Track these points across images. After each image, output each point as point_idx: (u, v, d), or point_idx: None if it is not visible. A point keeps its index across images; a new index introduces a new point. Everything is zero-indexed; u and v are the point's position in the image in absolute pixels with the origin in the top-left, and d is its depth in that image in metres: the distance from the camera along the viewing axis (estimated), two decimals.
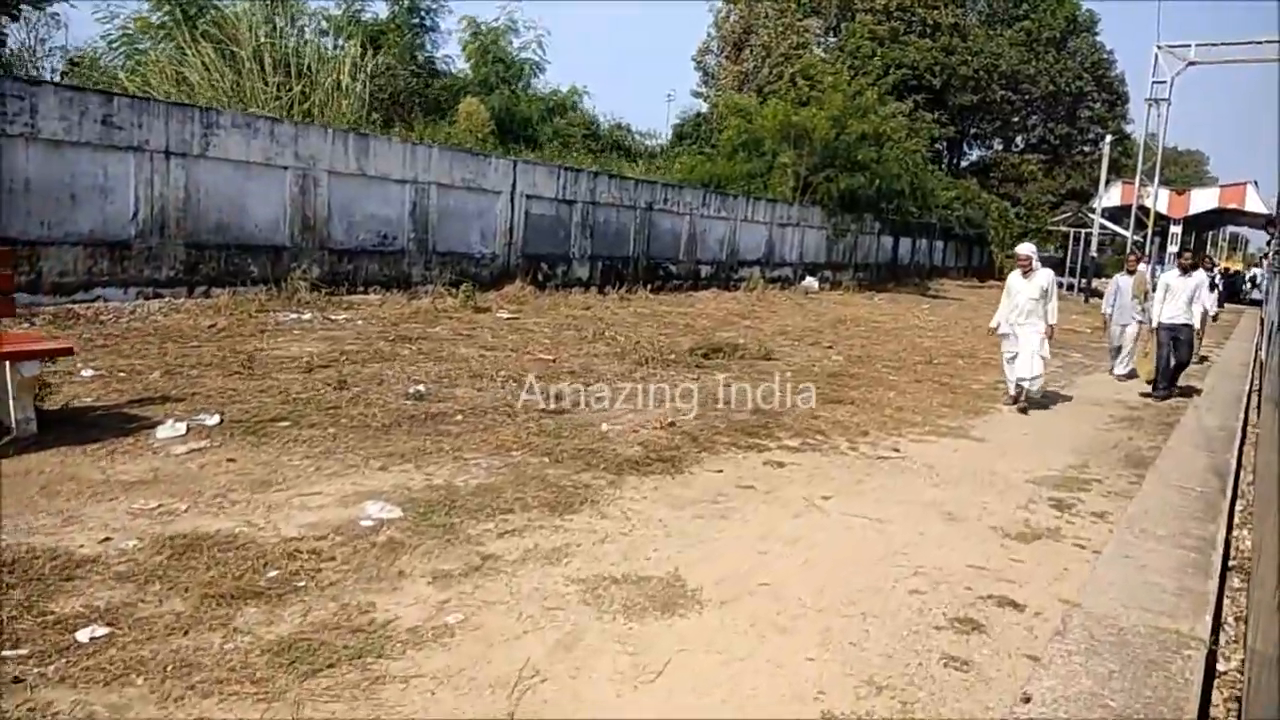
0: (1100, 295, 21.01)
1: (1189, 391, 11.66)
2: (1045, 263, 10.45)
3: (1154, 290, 12.31)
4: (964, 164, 53.03)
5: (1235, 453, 8.38)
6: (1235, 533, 6.31)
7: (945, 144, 49.42)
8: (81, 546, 4.12)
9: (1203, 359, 15.37)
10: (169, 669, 3.18)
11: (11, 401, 5.40)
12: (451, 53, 27.40)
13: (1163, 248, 39.26)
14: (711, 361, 11.07)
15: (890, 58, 39.83)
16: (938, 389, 10.68)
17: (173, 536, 4.27)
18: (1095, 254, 36.40)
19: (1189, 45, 32.10)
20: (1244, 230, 69.29)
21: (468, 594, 3.98)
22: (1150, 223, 34.66)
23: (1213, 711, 3.84)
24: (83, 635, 3.34)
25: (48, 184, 9.61)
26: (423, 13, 23.80)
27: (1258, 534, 5.48)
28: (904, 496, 6.07)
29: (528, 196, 16.35)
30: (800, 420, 8.13)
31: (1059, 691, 3.50)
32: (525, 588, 4.10)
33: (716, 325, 15.25)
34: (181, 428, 5.87)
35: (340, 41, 20.53)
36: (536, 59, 25.94)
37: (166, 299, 10.60)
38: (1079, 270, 38.10)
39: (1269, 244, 37.23)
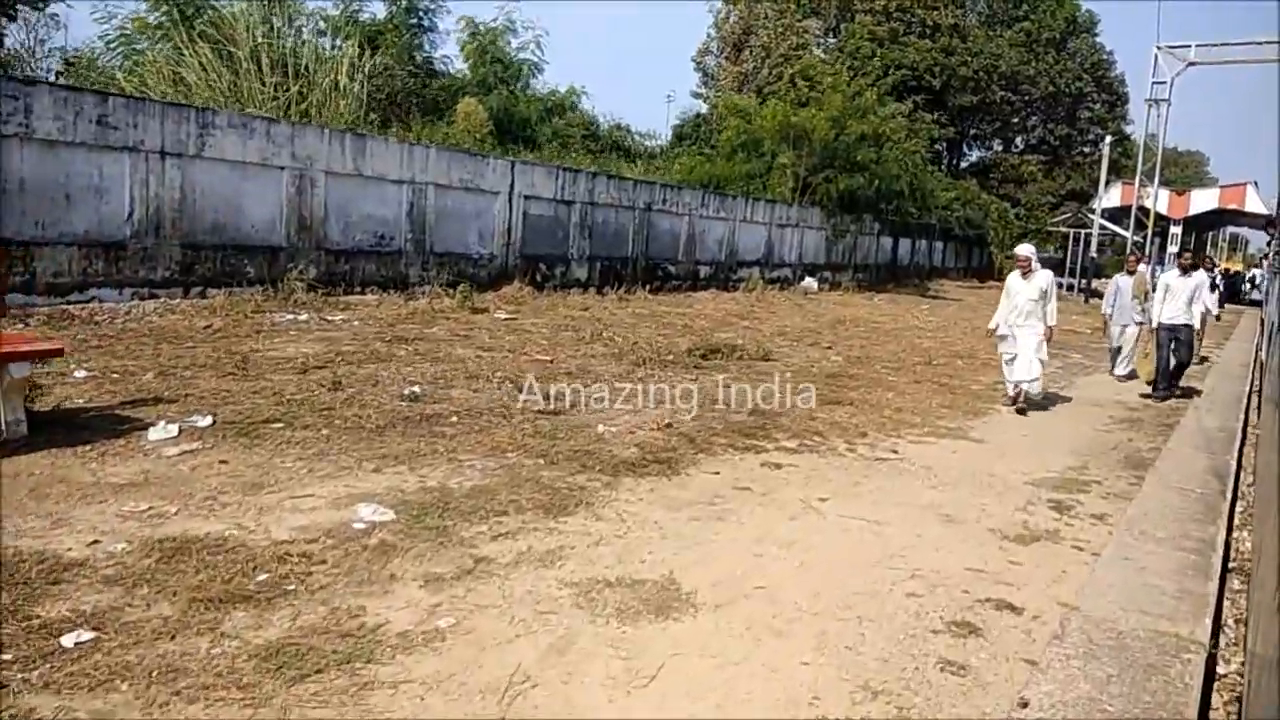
0: (1100, 296, 20.98)
1: (1189, 393, 11.61)
2: (1045, 263, 10.41)
3: (1154, 291, 12.26)
4: (964, 165, 53.01)
5: (1235, 454, 8.33)
6: (1235, 534, 6.27)
7: (945, 145, 49.39)
8: (69, 549, 4.07)
9: (1203, 359, 15.32)
10: (155, 674, 3.14)
11: (1, 403, 5.35)
12: (450, 53, 27.43)
13: (1163, 248, 39.23)
14: (710, 362, 11.03)
15: (890, 58, 39.80)
16: (937, 390, 10.63)
17: (162, 539, 4.23)
18: (1095, 255, 36.37)
19: (1189, 46, 32.07)
20: (1244, 231, 69.27)
21: (459, 597, 3.94)
22: (1150, 223, 34.62)
23: (1213, 715, 3.80)
24: (68, 640, 3.30)
25: (42, 184, 9.57)
26: (421, 13, 23.80)
27: (1258, 535, 5.43)
28: (902, 498, 6.03)
29: (526, 197, 16.31)
30: (798, 421, 8.08)
31: (1056, 696, 3.45)
32: (518, 591, 4.06)
33: (715, 326, 15.21)
34: (174, 429, 5.83)
35: (338, 42, 20.50)
36: (535, 59, 25.99)
37: (162, 300, 10.56)
38: (1079, 271, 38.04)
39: (1269, 244, 37.20)
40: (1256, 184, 40.32)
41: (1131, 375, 12.58)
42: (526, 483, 5.58)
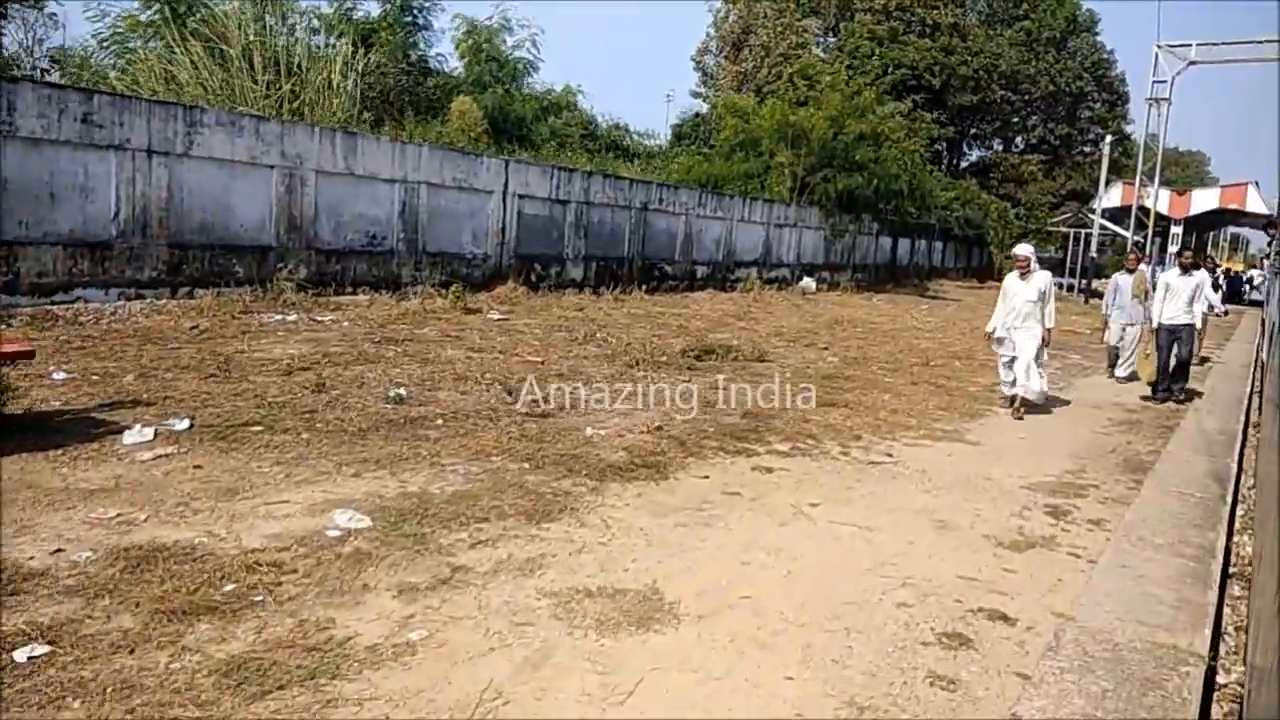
0: (1099, 296, 20.84)
1: (1190, 395, 11.44)
2: (1045, 264, 10.27)
3: (1154, 290, 12.11)
4: (964, 164, 52.88)
5: (1236, 457, 8.22)
6: (1236, 538, 6.15)
7: (945, 144, 49.26)
8: (31, 558, 3.95)
9: (1203, 360, 15.19)
10: (109, 691, 3.01)
11: None
12: (444, 51, 27.25)
13: (1163, 248, 39.12)
14: (704, 363, 10.91)
15: (889, 58, 39.71)
16: (934, 391, 10.51)
17: (128, 548, 4.10)
18: (1095, 255, 36.23)
19: (1189, 45, 31.93)
20: (1245, 231, 69.15)
21: (434, 608, 3.81)
22: (1151, 223, 34.49)
23: None
24: (20, 655, 3.17)
25: (26, 183, 9.44)
26: (415, 11, 23.63)
27: (1258, 541, 5.31)
28: (894, 503, 5.90)
29: (520, 196, 16.17)
30: (792, 424, 7.95)
31: (1050, 712, 3.33)
32: (495, 601, 3.93)
33: (711, 327, 15.08)
34: (149, 433, 5.69)
35: (332, 40, 20.38)
36: (530, 58, 25.81)
37: (148, 300, 10.43)
38: (1079, 271, 37.91)
39: (1269, 245, 37.08)
40: (1258, 184, 40.24)
41: (1132, 377, 12.42)
42: (510, 488, 5.46)
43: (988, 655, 3.80)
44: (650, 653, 3.59)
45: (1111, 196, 37.70)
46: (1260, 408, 10.73)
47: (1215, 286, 16.98)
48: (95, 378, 7.17)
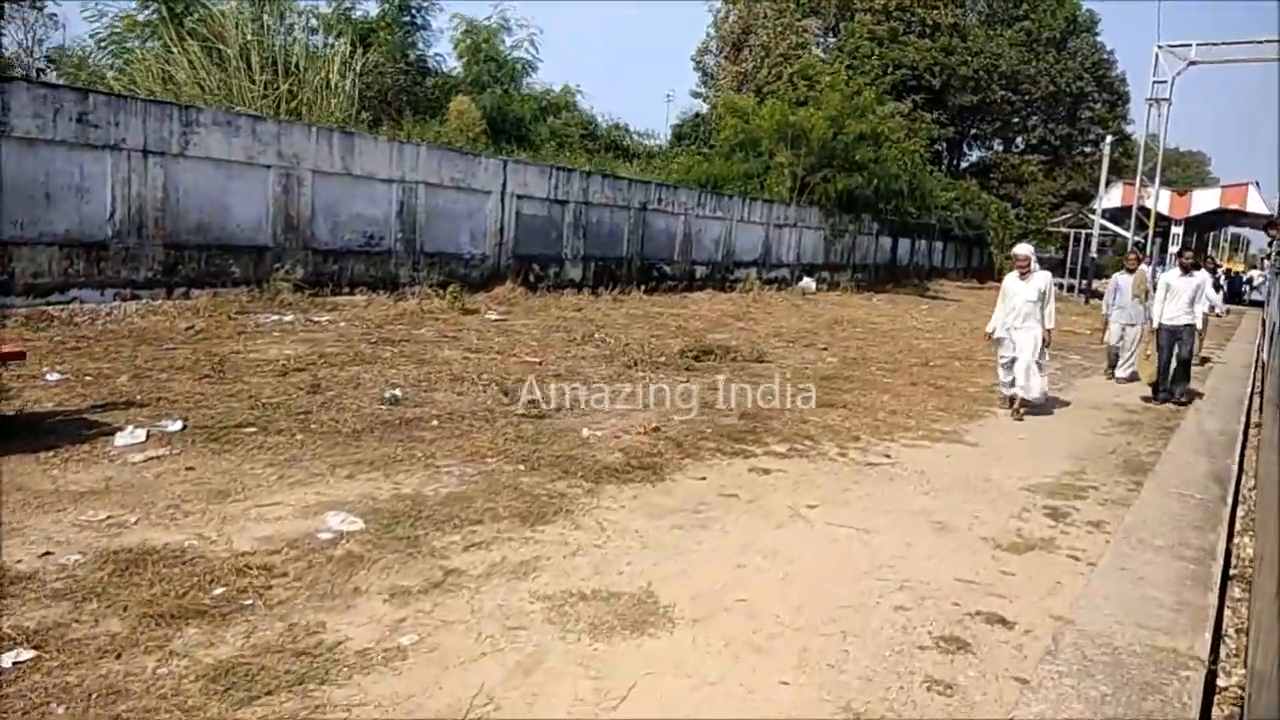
0: (1100, 296, 20.79)
1: (1191, 396, 11.36)
2: (1045, 264, 10.22)
3: (1154, 290, 12.05)
4: (964, 165, 52.84)
5: (1237, 457, 8.17)
6: (1236, 540, 6.11)
7: (945, 145, 49.21)
8: (19, 562, 3.90)
9: (1204, 360, 15.14)
10: (94, 697, 2.97)
11: None
12: (443, 51, 27.21)
13: (1164, 249, 39.06)
14: (702, 364, 10.87)
15: (889, 58, 39.69)
16: (933, 392, 10.46)
17: (117, 551, 4.06)
18: (1095, 255, 36.18)
19: (1189, 45, 31.88)
20: (1245, 231, 69.09)
21: (425, 612, 3.77)
22: (1151, 224, 34.45)
23: None
24: (5, 660, 3.13)
25: (21, 183, 9.39)
26: (414, 10, 23.59)
27: (1259, 543, 5.27)
28: (892, 505, 5.86)
29: (518, 196, 16.13)
30: (790, 425, 7.91)
31: (1048, 717, 3.29)
32: (488, 605, 3.89)
33: (710, 327, 15.04)
34: (141, 434, 5.65)
35: (330, 39, 20.33)
36: (529, 58, 25.75)
37: (144, 300, 10.38)
38: (1079, 271, 37.86)
39: (1270, 245, 37.01)
40: (1258, 184, 40.18)
41: (1133, 377, 12.36)
42: (505, 490, 5.41)
43: (985, 659, 3.76)
44: (644, 657, 3.55)
45: (1112, 197, 37.65)
46: (1261, 408, 10.68)
47: (1216, 286, 16.95)
48: (89, 379, 7.13)
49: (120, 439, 5.56)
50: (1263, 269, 49.34)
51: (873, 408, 9.10)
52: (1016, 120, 52.30)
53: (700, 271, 21.78)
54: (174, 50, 14.88)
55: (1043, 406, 9.73)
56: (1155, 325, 11.19)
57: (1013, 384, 9.49)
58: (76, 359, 7.79)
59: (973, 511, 5.86)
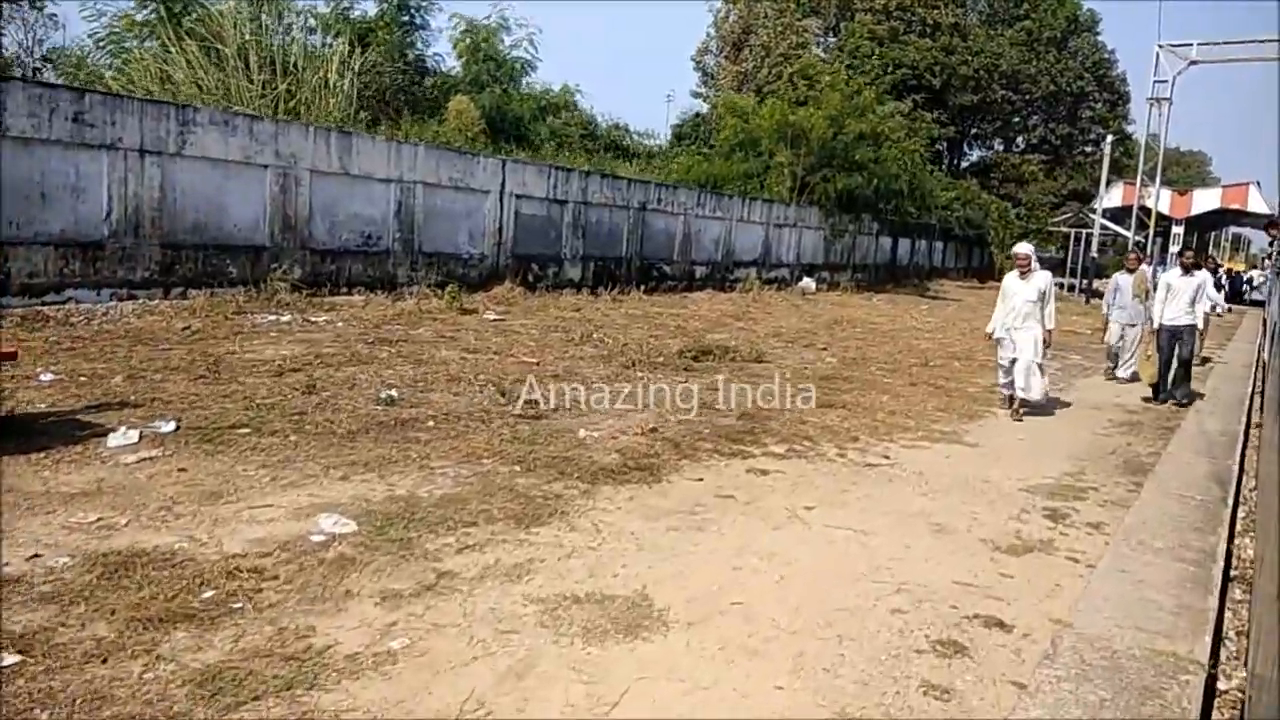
0: (1100, 296, 20.73)
1: (1193, 396, 11.26)
2: (1045, 264, 10.16)
3: (1155, 290, 11.99)
4: (964, 164, 52.77)
5: (1237, 458, 8.13)
6: (1237, 541, 6.07)
7: (945, 144, 49.16)
8: (7, 565, 3.86)
9: (1205, 360, 15.08)
10: (78, 702, 2.93)
11: None
12: (442, 50, 27.18)
13: (1164, 248, 38.99)
14: (701, 364, 10.83)
15: (890, 57, 39.63)
16: (933, 392, 10.42)
17: (106, 554, 4.02)
18: (1096, 255, 36.12)
19: (1190, 44, 31.83)
20: (1246, 231, 68.98)
21: (417, 616, 3.73)
22: (1152, 223, 34.39)
23: None
24: None
25: (16, 183, 9.35)
26: (413, 10, 23.55)
27: (1260, 545, 5.23)
28: (891, 506, 5.82)
29: (517, 196, 16.09)
30: (788, 425, 7.87)
31: None
32: (480, 608, 3.85)
33: (709, 327, 14.99)
34: (134, 435, 5.61)
35: (328, 39, 20.29)
36: (528, 57, 25.71)
37: (141, 300, 10.35)
38: (1079, 271, 37.80)
39: (1270, 245, 36.94)
40: (1259, 184, 40.09)
41: (1134, 378, 12.29)
42: (500, 491, 5.37)
43: (983, 663, 3.72)
44: (637, 661, 3.51)
45: (1112, 196, 37.57)
46: (1262, 408, 10.63)
47: (1218, 286, 16.89)
48: (83, 379, 7.09)
49: (113, 440, 5.53)
50: (1263, 269, 49.27)
51: (872, 408, 9.05)
52: (1017, 120, 52.24)
53: (700, 271, 21.73)
54: (172, 50, 14.85)
55: (1043, 407, 9.69)
56: (1156, 326, 11.12)
57: (1012, 385, 9.44)
58: (71, 359, 7.76)
59: (971, 513, 5.82)
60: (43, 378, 6.98)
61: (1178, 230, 39.15)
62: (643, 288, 19.10)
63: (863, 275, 29.66)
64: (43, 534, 4.22)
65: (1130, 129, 50.64)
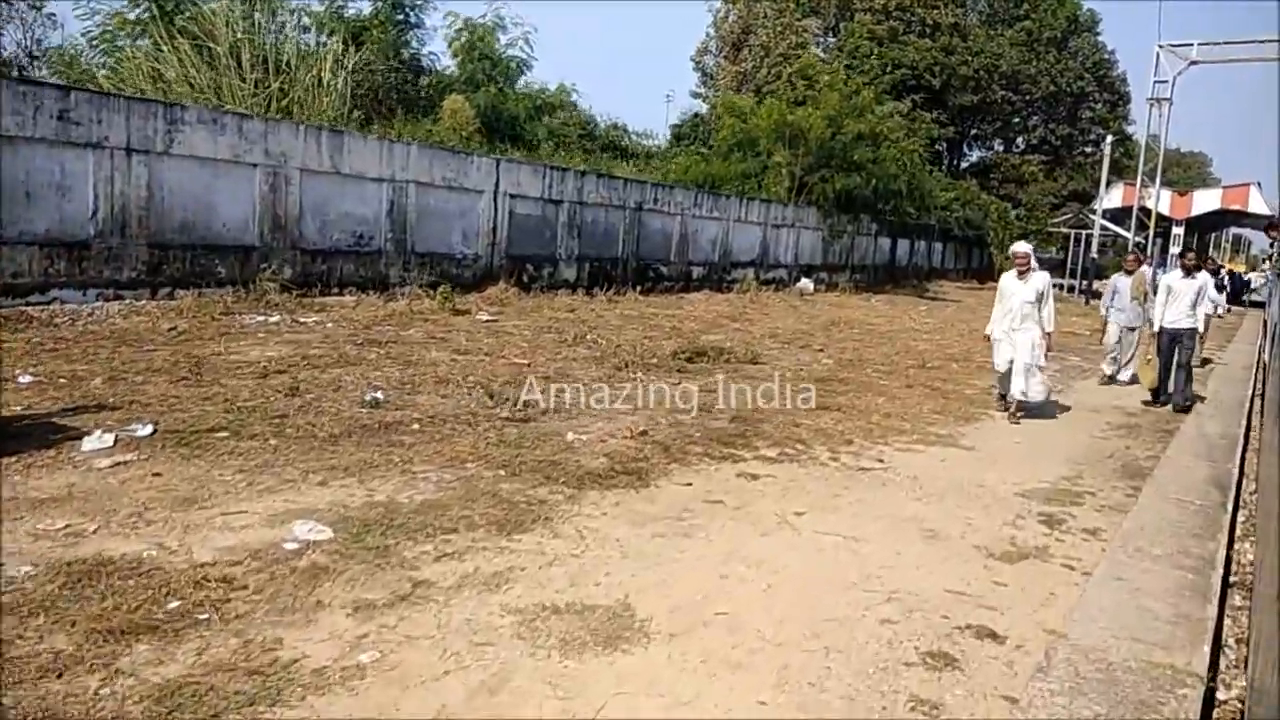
0: (1100, 297, 20.62)
1: (1193, 400, 11.07)
2: (1045, 265, 10.02)
3: (1154, 292, 11.83)
4: (964, 165, 52.68)
5: (1237, 461, 8.01)
6: (1237, 546, 5.96)
7: (945, 145, 49.05)
8: None
9: (1205, 362, 14.95)
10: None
11: None
12: (437, 50, 27.08)
13: (1164, 249, 38.86)
14: (695, 366, 10.70)
15: (889, 57, 39.52)
16: (929, 394, 10.30)
17: (71, 562, 3.90)
18: (1096, 256, 35.99)
19: (1191, 45, 31.72)
20: (1246, 231, 68.87)
21: (389, 627, 3.61)
22: (1152, 224, 34.27)
23: None
24: None
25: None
26: (407, 9, 23.43)
27: (1259, 550, 5.11)
28: (883, 511, 5.69)
29: (512, 196, 15.97)
30: (781, 428, 7.74)
31: None
32: (455, 619, 3.73)
33: (705, 328, 14.87)
34: (109, 439, 5.49)
35: (322, 38, 20.16)
36: (524, 56, 25.58)
37: (127, 301, 10.23)
38: (1079, 272, 37.68)
39: (1271, 246, 36.82)
40: (1259, 184, 39.97)
41: (1134, 380, 12.14)
42: (483, 496, 5.25)
43: (974, 676, 3.60)
44: (616, 675, 3.39)
45: (1112, 197, 37.44)
46: (1262, 411, 10.51)
47: (1219, 287, 16.75)
48: (62, 381, 6.96)
49: (87, 444, 5.40)
50: (1263, 270, 49.14)
51: (867, 410, 8.93)
52: (1017, 120, 52.14)
53: (697, 272, 21.61)
54: (164, 48, 14.73)
55: (1041, 409, 9.56)
56: (1156, 328, 10.95)
57: (1009, 387, 9.31)
58: (52, 361, 7.63)
59: (966, 518, 5.70)
60: (21, 380, 6.86)
61: (1178, 231, 39.02)
62: (639, 288, 18.98)
63: (861, 276, 29.54)
64: (7, 541, 4.09)
65: (1130, 129, 50.63)
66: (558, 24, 72.80)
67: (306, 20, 20.36)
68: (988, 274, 40.32)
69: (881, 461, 7.01)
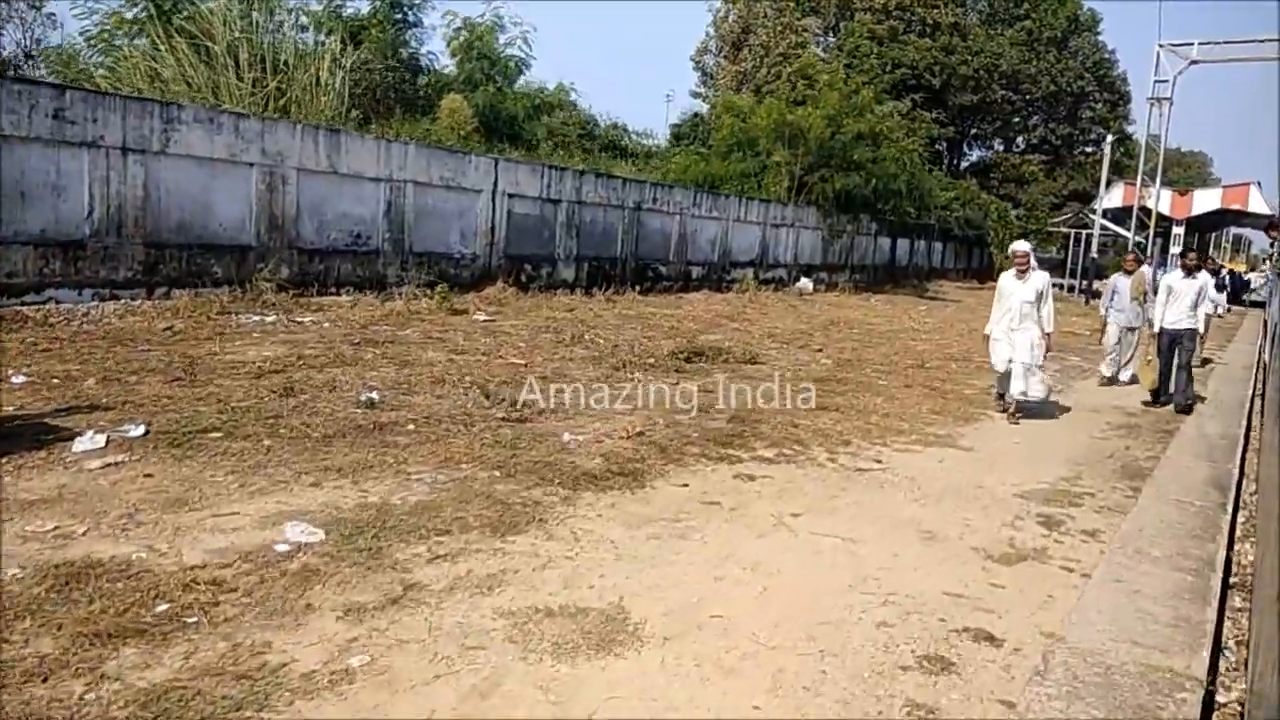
0: (1100, 297, 20.58)
1: (1194, 399, 10.99)
2: (1045, 264, 9.98)
3: (1154, 292, 11.78)
4: (964, 165, 52.62)
5: (1238, 462, 7.97)
6: (1237, 547, 5.92)
7: (945, 144, 49.00)
8: None
9: (1205, 362, 14.91)
10: None
11: None
12: (435, 49, 27.04)
13: (1165, 249, 38.81)
14: (693, 366, 10.67)
15: (889, 57, 39.48)
16: (928, 394, 10.26)
17: (59, 564, 3.86)
18: (1096, 255, 35.94)
19: (1191, 44, 31.66)
20: (1247, 231, 68.82)
21: (380, 630, 3.57)
22: (1152, 224, 34.22)
23: None
24: None
25: None
26: (405, 8, 23.38)
27: (1259, 551, 5.08)
28: (880, 513, 5.66)
29: (510, 195, 15.92)
30: (778, 429, 7.70)
31: None
32: (447, 622, 3.69)
33: (703, 328, 14.83)
34: (101, 440, 5.45)
35: (320, 37, 20.12)
36: (522, 55, 25.53)
37: (123, 301, 10.18)
38: (1079, 272, 37.63)
39: (1271, 246, 36.77)
40: (1260, 184, 39.91)
41: (1134, 380, 12.09)
42: (477, 497, 5.21)
43: (970, 681, 3.57)
44: (608, 680, 3.35)
45: (1113, 197, 37.39)
46: (1262, 411, 10.46)
47: (1220, 287, 16.69)
48: (56, 381, 6.92)
49: (78, 445, 5.36)
50: (1263, 270, 49.08)
51: (865, 411, 8.89)
52: (1017, 120, 52.07)
53: (696, 272, 21.56)
54: (161, 48, 14.68)
55: (1040, 409, 9.52)
56: (1156, 329, 10.88)
57: (1008, 387, 9.27)
58: (46, 361, 7.59)
59: (964, 519, 5.66)
60: (14, 380, 6.82)
61: (1178, 231, 38.98)
62: (638, 288, 18.93)
63: (861, 276, 29.49)
64: None
65: (1131, 129, 50.53)
66: (557, 24, 72.77)
67: (304, 19, 20.33)
68: (987, 274, 40.25)
69: (880, 462, 6.98)
